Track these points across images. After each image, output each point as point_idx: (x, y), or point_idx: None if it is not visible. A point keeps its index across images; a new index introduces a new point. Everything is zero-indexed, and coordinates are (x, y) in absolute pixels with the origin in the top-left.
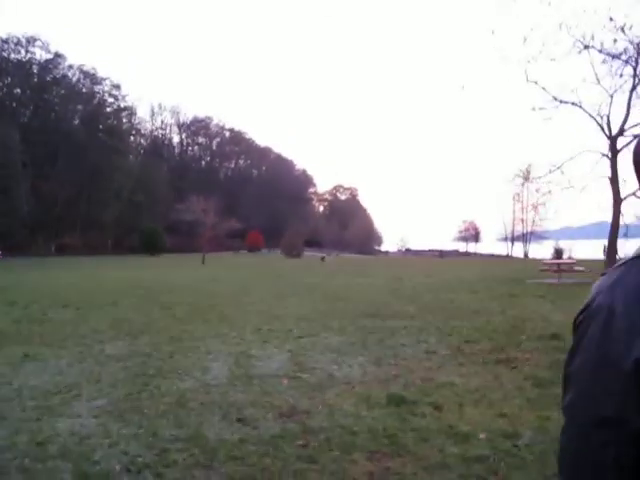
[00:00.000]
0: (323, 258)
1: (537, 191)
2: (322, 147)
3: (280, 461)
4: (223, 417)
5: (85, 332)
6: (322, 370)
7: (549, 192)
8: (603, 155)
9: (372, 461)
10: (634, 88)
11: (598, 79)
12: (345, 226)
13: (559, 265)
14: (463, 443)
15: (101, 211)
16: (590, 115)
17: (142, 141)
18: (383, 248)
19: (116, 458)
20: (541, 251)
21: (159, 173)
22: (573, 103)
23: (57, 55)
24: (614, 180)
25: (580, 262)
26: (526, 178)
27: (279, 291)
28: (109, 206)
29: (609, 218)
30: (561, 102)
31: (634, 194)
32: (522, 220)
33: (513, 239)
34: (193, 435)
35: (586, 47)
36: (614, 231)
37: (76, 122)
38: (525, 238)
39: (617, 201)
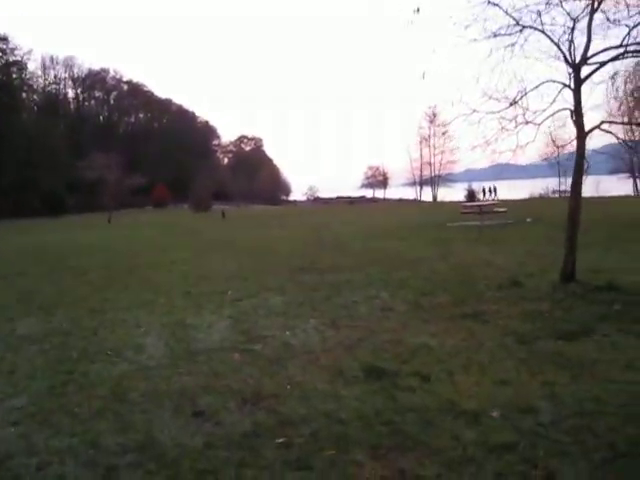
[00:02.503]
0: (223, 213)
1: (444, 134)
2: (224, 97)
3: (264, 471)
4: (175, 411)
5: None
6: (274, 338)
7: (502, 129)
8: (565, 86)
9: (379, 460)
10: (594, 10)
11: (561, 0)
12: (252, 177)
13: (481, 207)
14: (476, 424)
15: None
16: (552, 41)
17: (35, 97)
18: (292, 198)
19: None
20: (450, 194)
21: (56, 130)
22: (535, 28)
23: None
24: (578, 113)
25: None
26: (431, 121)
27: (197, 248)
28: (4, 166)
29: (511, 160)
30: (523, 27)
31: (598, 127)
32: (430, 164)
33: (422, 183)
34: (144, 442)
35: None
36: (579, 168)
37: None
38: (433, 182)
39: (581, 136)
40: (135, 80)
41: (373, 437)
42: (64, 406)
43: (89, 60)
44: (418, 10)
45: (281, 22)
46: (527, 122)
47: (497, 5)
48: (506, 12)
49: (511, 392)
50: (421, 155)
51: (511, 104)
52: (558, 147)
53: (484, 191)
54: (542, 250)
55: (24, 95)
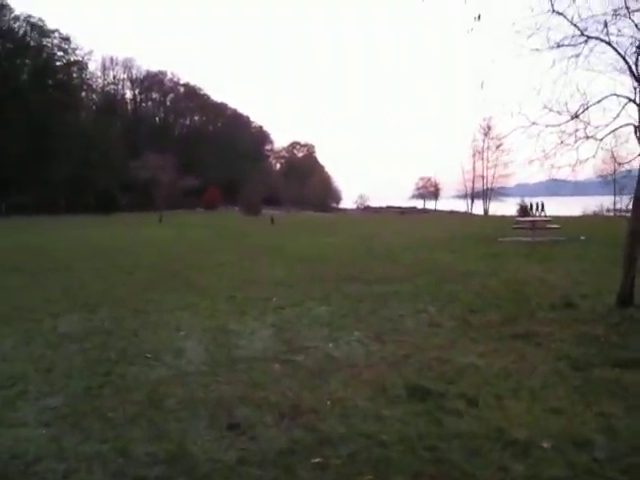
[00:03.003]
0: (272, 219)
1: (498, 147)
2: (278, 103)
3: None
4: (210, 422)
5: (35, 303)
6: (317, 350)
7: (561, 143)
8: (630, 100)
9: None
10: None
11: (629, 11)
12: (303, 184)
13: (534, 223)
14: (526, 456)
15: (53, 169)
16: (619, 53)
17: (94, 97)
18: (342, 205)
19: None
20: (501, 208)
21: (113, 130)
22: (601, 39)
23: (2, 6)
24: None
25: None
26: (486, 134)
27: (246, 252)
28: (61, 164)
29: (569, 176)
30: (589, 38)
31: None
32: (482, 177)
33: (473, 196)
34: (175, 453)
35: None
36: None
37: (24, 77)
38: (485, 195)
39: None
40: (192, 83)
41: (415, 463)
42: (98, 409)
43: (147, 62)
44: (479, 17)
45: (332, 29)
46: (588, 137)
47: (562, 14)
48: (571, 22)
49: (564, 422)
50: (474, 168)
51: (572, 118)
52: (618, 164)
53: (531, 207)
54: (597, 270)
55: (83, 94)
